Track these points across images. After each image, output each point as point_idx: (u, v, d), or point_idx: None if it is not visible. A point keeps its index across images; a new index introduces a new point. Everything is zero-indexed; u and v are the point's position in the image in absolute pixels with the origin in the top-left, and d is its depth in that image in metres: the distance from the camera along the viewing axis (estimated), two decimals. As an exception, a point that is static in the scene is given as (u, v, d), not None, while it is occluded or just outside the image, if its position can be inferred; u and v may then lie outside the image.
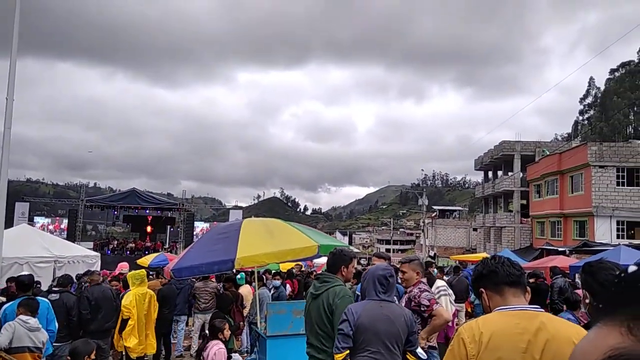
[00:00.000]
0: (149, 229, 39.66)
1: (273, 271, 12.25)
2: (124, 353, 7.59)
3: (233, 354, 7.33)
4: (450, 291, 7.39)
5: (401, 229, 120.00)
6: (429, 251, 50.44)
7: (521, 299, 2.14)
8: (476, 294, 2.32)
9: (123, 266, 14.47)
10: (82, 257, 13.93)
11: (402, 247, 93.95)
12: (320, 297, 3.89)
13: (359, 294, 3.98)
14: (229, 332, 5.38)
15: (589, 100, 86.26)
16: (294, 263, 14.87)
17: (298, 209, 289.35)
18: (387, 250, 79.15)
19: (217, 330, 5.15)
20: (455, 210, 74.29)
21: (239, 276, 10.58)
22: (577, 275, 11.66)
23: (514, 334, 1.98)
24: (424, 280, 4.88)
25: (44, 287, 9.60)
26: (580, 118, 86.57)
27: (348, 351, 3.30)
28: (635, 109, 68.47)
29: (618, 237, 25.11)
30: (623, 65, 78.25)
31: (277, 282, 10.82)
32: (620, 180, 26.17)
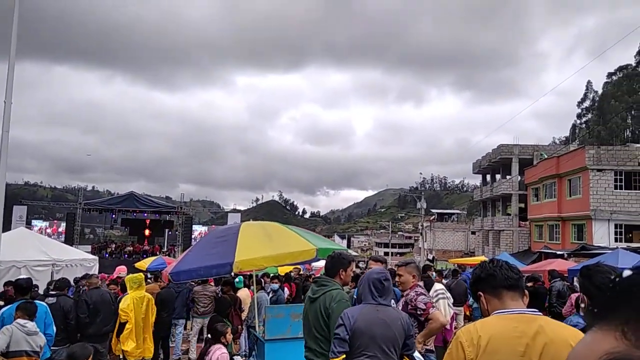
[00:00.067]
0: (147, 232, 39.59)
1: (271, 274, 12.23)
2: (121, 357, 7.57)
3: (234, 357, 7.32)
4: (449, 294, 7.39)
5: (400, 232, 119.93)
6: (427, 254, 50.41)
7: (519, 302, 2.14)
8: (474, 297, 2.33)
9: (121, 270, 14.39)
10: (80, 260, 13.89)
11: (400, 250, 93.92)
12: (318, 300, 3.90)
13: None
14: (231, 336, 5.37)
15: (587, 103, 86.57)
16: (293, 266, 14.86)
17: (296, 212, 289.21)
18: (386, 253, 79.04)
19: (219, 334, 5.13)
20: (453, 214, 74.32)
21: (237, 280, 10.56)
22: (575, 279, 11.67)
23: (512, 338, 1.98)
24: (421, 283, 4.89)
25: (41, 291, 9.58)
26: (578, 121, 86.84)
27: (344, 355, 3.30)
28: (632, 112, 68.64)
29: (616, 240, 25.15)
30: (620, 69, 78.53)
31: (276, 286, 10.81)
32: (618, 183, 26.24)
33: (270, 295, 10.30)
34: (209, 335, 5.12)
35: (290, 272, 14.97)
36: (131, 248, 36.54)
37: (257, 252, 6.23)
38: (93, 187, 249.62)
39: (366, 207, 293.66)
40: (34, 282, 9.16)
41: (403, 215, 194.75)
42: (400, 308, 4.34)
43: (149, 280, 11.26)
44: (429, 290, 6.69)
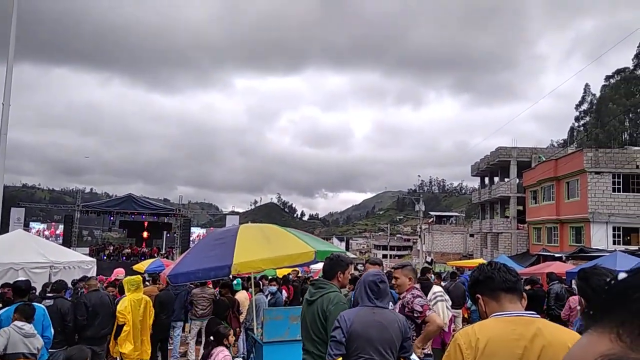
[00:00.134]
0: (145, 234, 39.55)
1: (270, 277, 12.21)
2: (119, 359, 7.55)
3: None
4: (447, 297, 7.40)
5: (398, 235, 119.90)
6: (425, 257, 50.38)
7: (517, 305, 2.15)
8: (473, 300, 2.33)
9: (119, 272, 14.38)
10: (77, 262, 13.85)
11: (399, 252, 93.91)
12: (315, 303, 3.90)
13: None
14: (234, 338, 5.36)
15: (585, 106, 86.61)
16: (291, 269, 14.83)
17: (295, 215, 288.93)
18: (384, 256, 79.19)
19: (222, 336, 5.11)
20: (452, 216, 74.29)
21: (235, 282, 10.55)
22: (573, 282, 11.67)
23: (510, 340, 1.98)
24: (417, 286, 4.88)
25: (38, 293, 9.55)
26: (576, 124, 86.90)
27: (341, 358, 3.30)
28: (630, 115, 68.81)
29: (614, 243, 25.17)
30: (618, 72, 78.63)
31: (274, 288, 10.79)
32: (616, 186, 26.28)
33: (269, 297, 10.28)
34: (212, 338, 5.09)
35: (289, 274, 14.94)
36: (129, 250, 36.47)
37: (256, 255, 6.22)
38: (91, 189, 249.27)
39: (364, 210, 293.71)
40: (32, 285, 9.17)
41: (401, 217, 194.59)
42: (397, 311, 4.33)
43: (147, 283, 11.25)
44: (427, 293, 6.70)
